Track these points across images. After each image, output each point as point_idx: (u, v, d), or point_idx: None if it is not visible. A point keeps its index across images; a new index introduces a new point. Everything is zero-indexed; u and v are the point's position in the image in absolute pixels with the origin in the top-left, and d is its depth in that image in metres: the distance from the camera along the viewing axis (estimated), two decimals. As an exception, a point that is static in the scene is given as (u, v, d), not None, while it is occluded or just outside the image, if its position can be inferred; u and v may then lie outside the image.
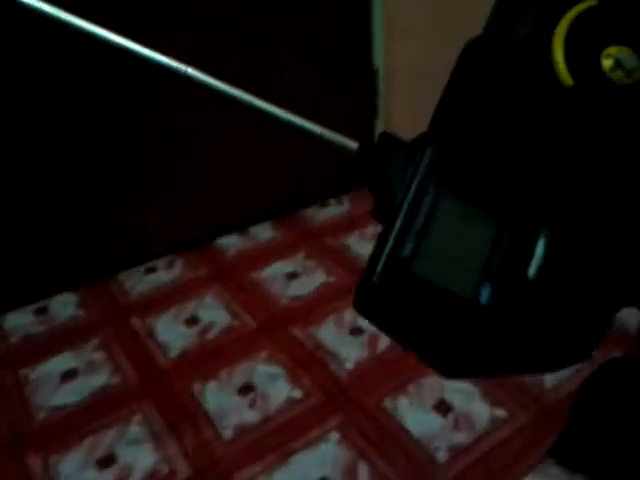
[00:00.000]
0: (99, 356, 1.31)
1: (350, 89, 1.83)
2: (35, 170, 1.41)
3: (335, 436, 1.09)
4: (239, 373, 1.25)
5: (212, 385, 1.22)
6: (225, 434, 1.10)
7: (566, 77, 0.24)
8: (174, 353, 1.31)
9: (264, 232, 1.72)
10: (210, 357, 1.30)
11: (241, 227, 1.74)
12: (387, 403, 1.15)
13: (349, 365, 1.26)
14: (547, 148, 0.24)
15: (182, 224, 1.66)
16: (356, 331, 1.34)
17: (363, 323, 1.30)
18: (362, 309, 0.28)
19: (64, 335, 1.38)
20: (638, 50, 0.24)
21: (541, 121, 0.24)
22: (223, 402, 1.18)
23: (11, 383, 1.25)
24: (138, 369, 1.27)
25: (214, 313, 1.42)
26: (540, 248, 0.25)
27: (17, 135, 1.36)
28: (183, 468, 1.04)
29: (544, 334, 0.25)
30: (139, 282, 1.55)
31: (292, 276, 1.53)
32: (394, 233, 0.26)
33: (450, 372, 0.29)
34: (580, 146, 0.24)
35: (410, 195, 0.26)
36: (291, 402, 1.17)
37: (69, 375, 1.27)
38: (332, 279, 1.52)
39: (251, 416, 1.14)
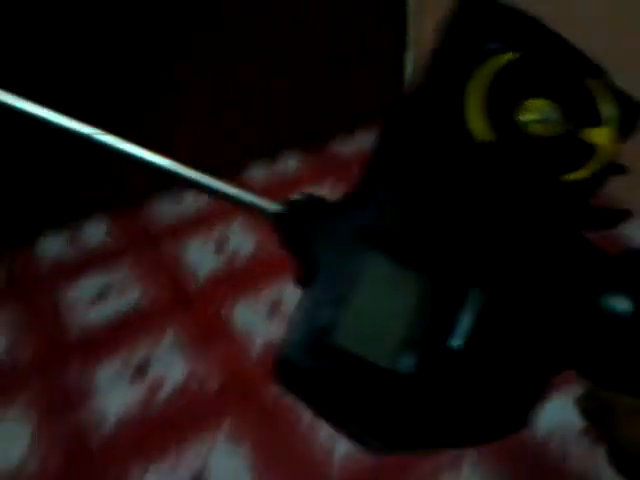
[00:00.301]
0: (129, 279, 1.34)
1: (379, 22, 1.74)
2: (68, 92, 1.39)
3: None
4: (267, 295, 1.26)
5: (241, 305, 1.24)
6: (253, 351, 1.12)
7: (482, 132, 0.24)
8: (203, 277, 1.32)
9: (292, 163, 1.69)
10: (239, 280, 1.31)
11: (270, 154, 1.71)
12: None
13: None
14: (467, 206, 0.24)
15: (212, 150, 1.63)
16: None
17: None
18: (283, 382, 0.25)
19: (95, 258, 1.41)
20: (558, 102, 0.25)
21: (460, 179, 0.24)
22: (251, 321, 1.20)
23: (46, 303, 1.29)
24: (168, 291, 1.30)
25: (242, 240, 1.42)
26: (466, 313, 0.24)
27: (46, 50, 1.34)
28: (212, 382, 1.07)
29: (472, 406, 0.24)
30: (169, 208, 1.55)
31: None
32: (313, 300, 0.25)
33: (387, 446, 0.26)
34: (498, 201, 0.24)
35: (333, 259, 0.25)
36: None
37: (101, 296, 1.30)
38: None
39: (278, 334, 1.16)
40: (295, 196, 0.28)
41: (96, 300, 1.29)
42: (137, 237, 1.47)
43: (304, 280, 0.26)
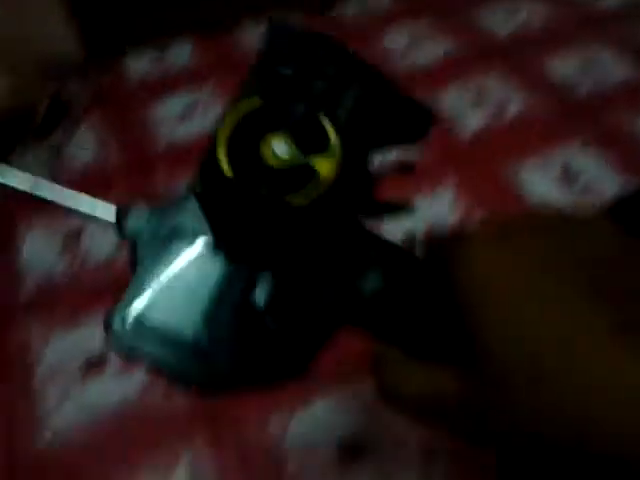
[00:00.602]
0: (214, 98, 1.33)
1: None
2: None
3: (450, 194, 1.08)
4: None
5: None
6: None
7: (226, 170, 0.30)
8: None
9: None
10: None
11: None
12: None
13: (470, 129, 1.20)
14: (237, 222, 0.32)
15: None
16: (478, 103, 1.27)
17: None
18: (112, 339, 0.32)
19: (181, 78, 1.41)
20: (292, 136, 0.30)
21: (229, 204, 0.31)
22: None
23: (133, 119, 1.31)
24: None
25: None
26: (261, 288, 0.31)
27: None
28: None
29: (264, 356, 0.31)
30: (253, 36, 1.51)
31: (411, 45, 1.43)
32: (134, 285, 0.32)
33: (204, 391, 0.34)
34: (254, 219, 0.31)
35: (151, 252, 0.32)
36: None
37: (187, 114, 1.31)
38: (456, 48, 1.41)
39: None
40: (121, 205, 0.35)
41: (182, 118, 1.30)
42: (222, 61, 1.44)
43: (132, 269, 0.33)
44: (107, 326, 0.31)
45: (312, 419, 0.79)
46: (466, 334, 0.24)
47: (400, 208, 0.35)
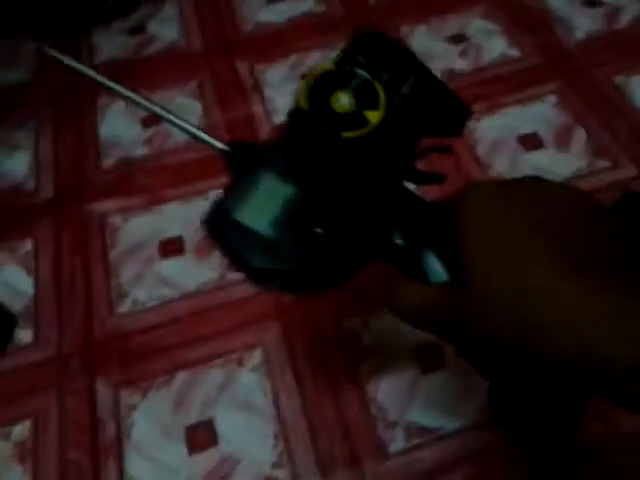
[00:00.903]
0: None
1: None
2: None
3: (552, 99, 1.01)
4: (450, 24, 1.15)
5: (421, 30, 1.15)
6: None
7: (303, 104, 0.42)
8: None
9: None
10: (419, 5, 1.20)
11: None
12: (617, 79, 1.03)
13: (579, 34, 1.12)
14: (307, 148, 0.42)
15: None
16: (593, 3, 1.17)
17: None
18: (208, 235, 0.43)
19: None
20: (354, 93, 0.42)
21: (297, 132, 0.43)
22: (431, 47, 1.11)
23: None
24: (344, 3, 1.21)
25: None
26: (322, 211, 0.42)
27: None
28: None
29: (315, 265, 0.41)
30: None
31: None
32: (228, 192, 0.43)
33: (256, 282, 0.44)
34: (317, 147, 0.42)
35: (247, 176, 0.44)
36: (506, 58, 1.08)
37: None
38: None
39: (461, 64, 1.08)
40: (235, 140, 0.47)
41: (269, 1, 1.23)
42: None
43: (234, 170, 0.45)
44: (205, 217, 0.44)
45: (388, 324, 0.77)
46: (458, 263, 0.33)
47: (434, 178, 0.48)
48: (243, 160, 0.45)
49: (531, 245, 0.29)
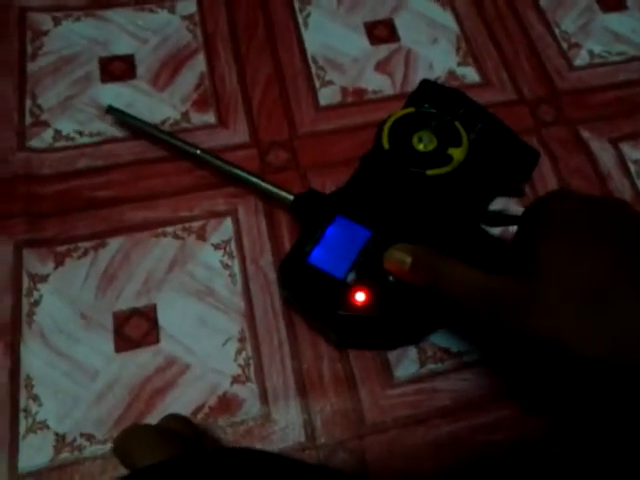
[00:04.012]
0: None
1: None
2: None
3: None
4: None
5: None
6: None
7: (386, 144, 0.46)
8: None
9: None
10: None
11: None
12: None
13: None
14: (385, 188, 0.46)
15: None
16: None
17: None
18: (281, 283, 0.48)
19: None
20: (435, 133, 0.46)
21: (378, 173, 0.47)
22: None
23: None
24: None
25: None
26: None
27: None
28: None
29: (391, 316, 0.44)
30: None
31: None
32: (301, 239, 0.45)
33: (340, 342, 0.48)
34: (401, 187, 0.45)
35: (316, 222, 0.45)
36: None
37: None
38: None
39: None
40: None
41: None
42: None
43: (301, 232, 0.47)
44: (281, 268, 0.46)
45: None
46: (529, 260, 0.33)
47: (510, 219, 0.50)
48: (311, 208, 0.47)
49: (617, 258, 0.30)
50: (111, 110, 0.55)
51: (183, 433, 0.39)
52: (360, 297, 0.43)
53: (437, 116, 0.47)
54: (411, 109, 0.48)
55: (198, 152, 0.52)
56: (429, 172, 0.44)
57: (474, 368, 0.49)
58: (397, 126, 0.47)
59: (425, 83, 0.53)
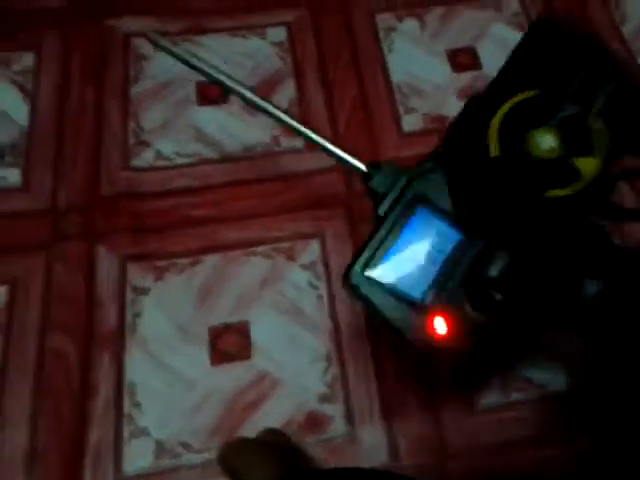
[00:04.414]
0: None
1: None
2: None
3: None
4: None
5: None
6: None
7: (494, 150, 0.32)
8: None
9: None
10: None
11: None
12: None
13: None
14: (488, 198, 0.33)
15: None
16: None
17: None
18: (347, 287, 0.35)
19: None
20: (560, 132, 0.32)
21: (479, 180, 0.33)
22: None
23: None
24: None
25: None
26: (496, 262, 0.32)
27: None
28: None
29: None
30: None
31: None
32: (375, 238, 0.35)
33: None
34: (507, 198, 0.32)
35: (395, 213, 0.35)
36: None
37: None
38: None
39: None
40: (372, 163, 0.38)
41: None
42: None
43: (375, 224, 0.36)
44: (345, 276, 0.35)
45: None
46: None
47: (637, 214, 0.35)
48: (387, 183, 0.37)
49: None
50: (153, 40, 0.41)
51: (281, 447, 0.41)
52: (441, 326, 0.34)
53: (565, 107, 0.33)
54: (530, 93, 0.34)
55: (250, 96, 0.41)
56: (549, 194, 0.32)
57: (556, 399, 0.50)
58: (511, 118, 0.33)
59: (539, 22, 0.37)
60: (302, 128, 0.41)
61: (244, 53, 0.68)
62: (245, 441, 0.40)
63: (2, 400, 0.49)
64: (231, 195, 0.59)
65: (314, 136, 0.41)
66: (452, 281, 0.34)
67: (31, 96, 0.64)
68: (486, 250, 0.33)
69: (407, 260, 0.34)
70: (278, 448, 0.40)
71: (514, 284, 0.32)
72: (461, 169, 0.35)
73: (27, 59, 0.66)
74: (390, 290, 0.34)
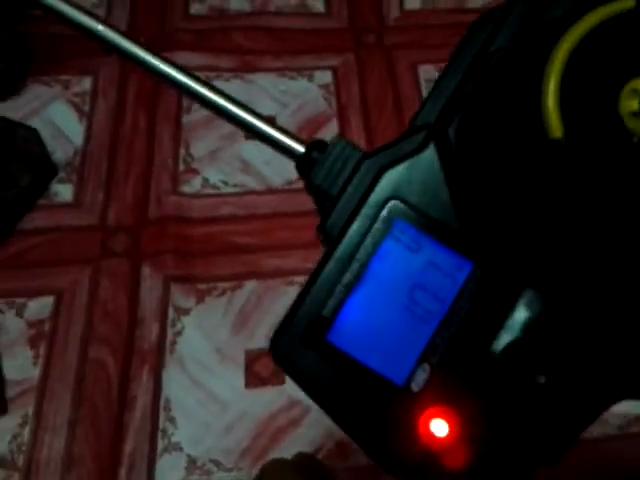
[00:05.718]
0: None
1: None
2: None
3: None
4: None
5: None
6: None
7: (555, 126, 0.16)
8: None
9: None
10: None
11: None
12: None
13: None
14: (533, 200, 0.18)
15: None
16: None
17: None
18: (276, 357, 0.21)
19: None
20: None
21: (525, 172, 0.18)
22: None
23: None
24: None
25: None
26: (518, 314, 0.19)
27: None
28: None
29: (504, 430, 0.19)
30: None
31: None
32: (322, 277, 0.20)
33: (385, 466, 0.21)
34: (573, 200, 0.17)
35: (354, 227, 0.20)
36: None
37: None
38: None
39: None
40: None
41: None
42: None
43: (323, 249, 0.21)
44: (273, 343, 0.21)
45: None
46: None
47: None
48: (340, 177, 0.22)
49: None
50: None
51: (317, 471, 0.42)
52: (440, 428, 0.20)
53: None
54: (626, 2, 0.17)
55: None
56: None
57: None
58: (583, 64, 0.17)
59: None
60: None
61: (291, 93, 0.72)
62: (284, 463, 0.41)
63: (43, 406, 0.51)
64: (274, 225, 0.61)
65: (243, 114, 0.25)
66: (459, 348, 0.20)
67: (87, 117, 0.68)
68: (504, 289, 0.19)
69: (379, 315, 0.20)
70: (314, 472, 0.42)
71: (559, 349, 0.19)
72: (480, 161, 0.20)
73: (85, 83, 0.70)
74: (350, 367, 0.20)
